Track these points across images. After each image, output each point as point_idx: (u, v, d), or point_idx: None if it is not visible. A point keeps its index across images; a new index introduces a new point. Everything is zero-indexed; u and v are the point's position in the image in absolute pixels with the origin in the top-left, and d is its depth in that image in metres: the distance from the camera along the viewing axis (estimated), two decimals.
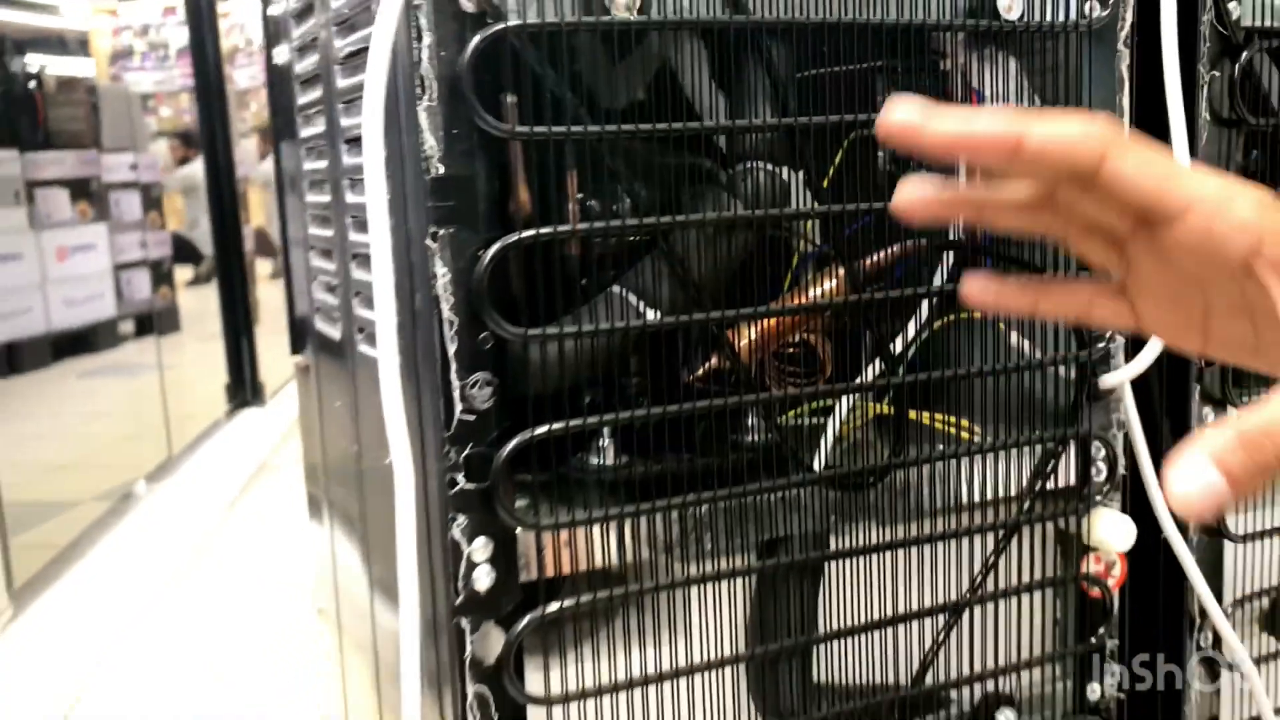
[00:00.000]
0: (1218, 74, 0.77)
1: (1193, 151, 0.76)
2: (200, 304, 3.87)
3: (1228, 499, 0.34)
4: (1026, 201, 0.45)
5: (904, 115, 0.40)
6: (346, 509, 0.85)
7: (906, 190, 0.43)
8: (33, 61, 2.73)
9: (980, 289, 0.48)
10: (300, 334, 0.95)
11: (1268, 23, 0.77)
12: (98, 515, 2.59)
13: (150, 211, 3.45)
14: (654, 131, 0.59)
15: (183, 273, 4.36)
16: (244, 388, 3.58)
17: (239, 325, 3.77)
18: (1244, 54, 0.77)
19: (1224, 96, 0.77)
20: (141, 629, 2.58)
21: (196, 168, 4.23)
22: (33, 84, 2.69)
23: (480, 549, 0.59)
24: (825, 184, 0.66)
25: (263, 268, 4.83)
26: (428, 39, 0.56)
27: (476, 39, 0.55)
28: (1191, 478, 0.35)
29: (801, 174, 0.66)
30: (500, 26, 0.55)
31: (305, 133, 0.86)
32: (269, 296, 4.08)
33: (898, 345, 0.70)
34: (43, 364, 2.67)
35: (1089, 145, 0.39)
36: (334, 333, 0.81)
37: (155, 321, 3.21)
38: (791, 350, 0.69)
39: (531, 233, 0.57)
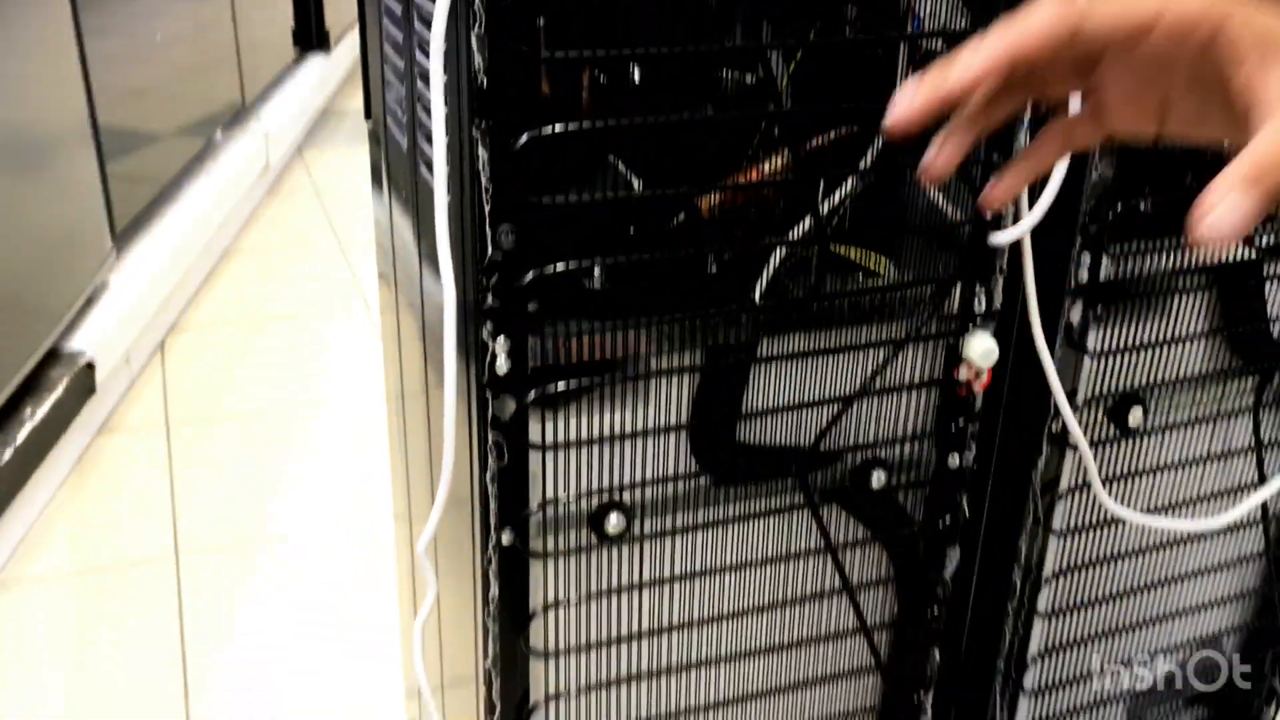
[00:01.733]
0: None
1: None
2: None
3: (1250, 220, 0.41)
4: (1003, 92, 0.53)
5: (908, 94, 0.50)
6: (401, 185, 1.06)
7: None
8: None
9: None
10: (369, 99, 1.15)
11: None
12: (185, 158, 2.80)
13: None
14: (658, 55, 0.78)
15: None
16: (309, 34, 3.71)
17: None
18: None
19: None
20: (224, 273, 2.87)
21: None
22: None
23: (501, 345, 0.84)
24: (783, 85, 0.85)
25: None
26: None
27: None
28: (1220, 207, 0.41)
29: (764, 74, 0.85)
30: None
31: None
32: None
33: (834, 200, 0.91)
34: None
35: (1064, 22, 0.47)
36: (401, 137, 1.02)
37: None
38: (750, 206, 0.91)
39: (550, 128, 0.78)
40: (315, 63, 3.75)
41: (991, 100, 0.56)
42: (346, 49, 3.90)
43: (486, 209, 0.80)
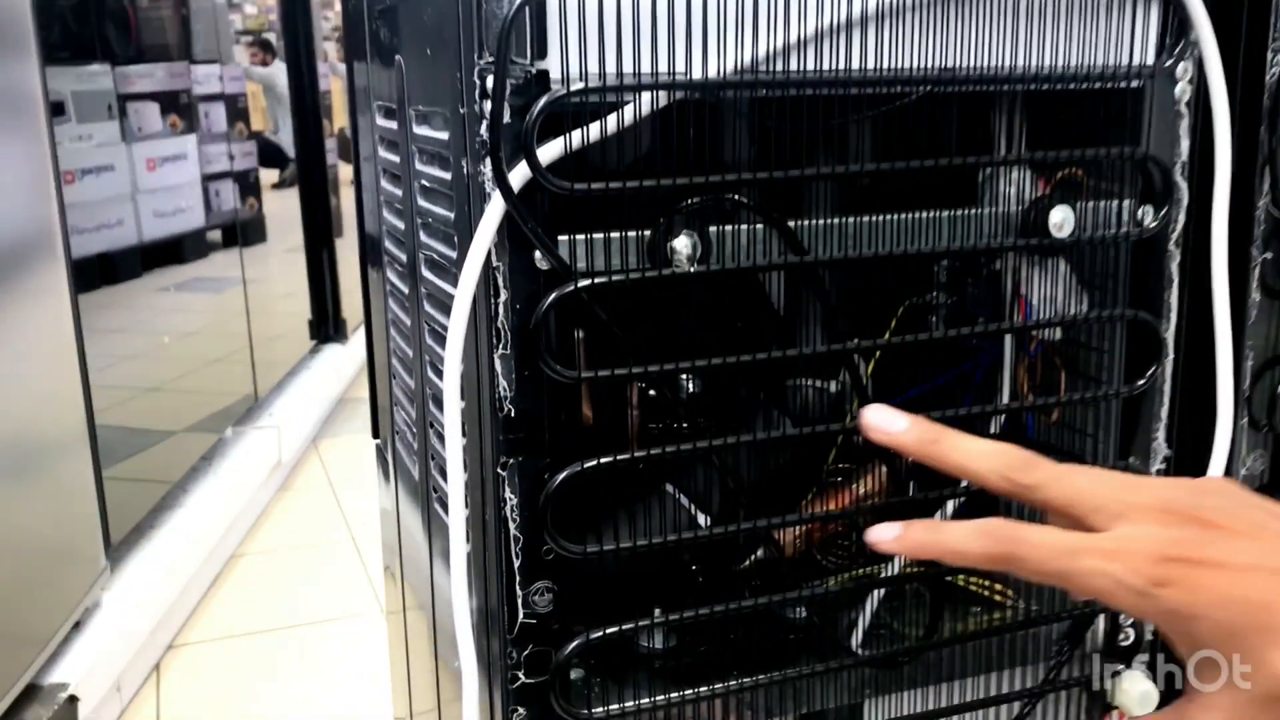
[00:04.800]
0: (1269, 255, 0.78)
1: (1240, 327, 0.78)
2: (285, 208, 3.89)
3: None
4: None
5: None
6: (411, 474, 0.90)
7: (874, 539, 0.56)
8: None
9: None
10: (376, 418, 1.01)
11: None
12: (191, 459, 2.68)
13: (237, 122, 3.51)
14: (709, 368, 0.63)
15: (267, 176, 4.44)
16: (326, 324, 3.68)
17: (320, 245, 3.78)
18: None
19: (1276, 275, 0.79)
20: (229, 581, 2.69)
21: (276, 69, 4.22)
22: None
23: None
24: (868, 386, 0.70)
25: (345, 171, 4.85)
26: (504, 295, 0.60)
27: (552, 297, 0.60)
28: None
29: (848, 380, 0.70)
30: (573, 287, 0.60)
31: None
32: (351, 202, 4.11)
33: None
34: (134, 275, 2.75)
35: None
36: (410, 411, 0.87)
37: (242, 232, 3.23)
38: (838, 534, 0.74)
39: (593, 462, 0.62)
40: (331, 352, 3.69)
41: None
42: (364, 337, 3.85)
43: (516, 564, 0.64)
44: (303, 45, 3.90)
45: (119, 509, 2.21)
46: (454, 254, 0.66)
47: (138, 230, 2.76)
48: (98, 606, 2.08)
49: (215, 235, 3.17)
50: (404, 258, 0.80)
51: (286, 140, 4.10)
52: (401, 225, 0.80)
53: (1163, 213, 0.71)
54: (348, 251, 3.81)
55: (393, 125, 0.79)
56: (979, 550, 0.53)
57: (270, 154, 4.92)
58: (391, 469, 0.99)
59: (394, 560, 1.04)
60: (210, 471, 2.69)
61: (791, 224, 0.63)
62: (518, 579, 0.64)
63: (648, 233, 0.61)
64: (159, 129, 2.85)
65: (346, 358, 3.75)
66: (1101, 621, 0.78)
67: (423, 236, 0.74)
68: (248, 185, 3.51)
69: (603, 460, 0.62)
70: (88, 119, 2.48)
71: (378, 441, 1.02)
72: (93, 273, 2.51)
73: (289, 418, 3.13)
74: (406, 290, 0.81)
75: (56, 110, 2.24)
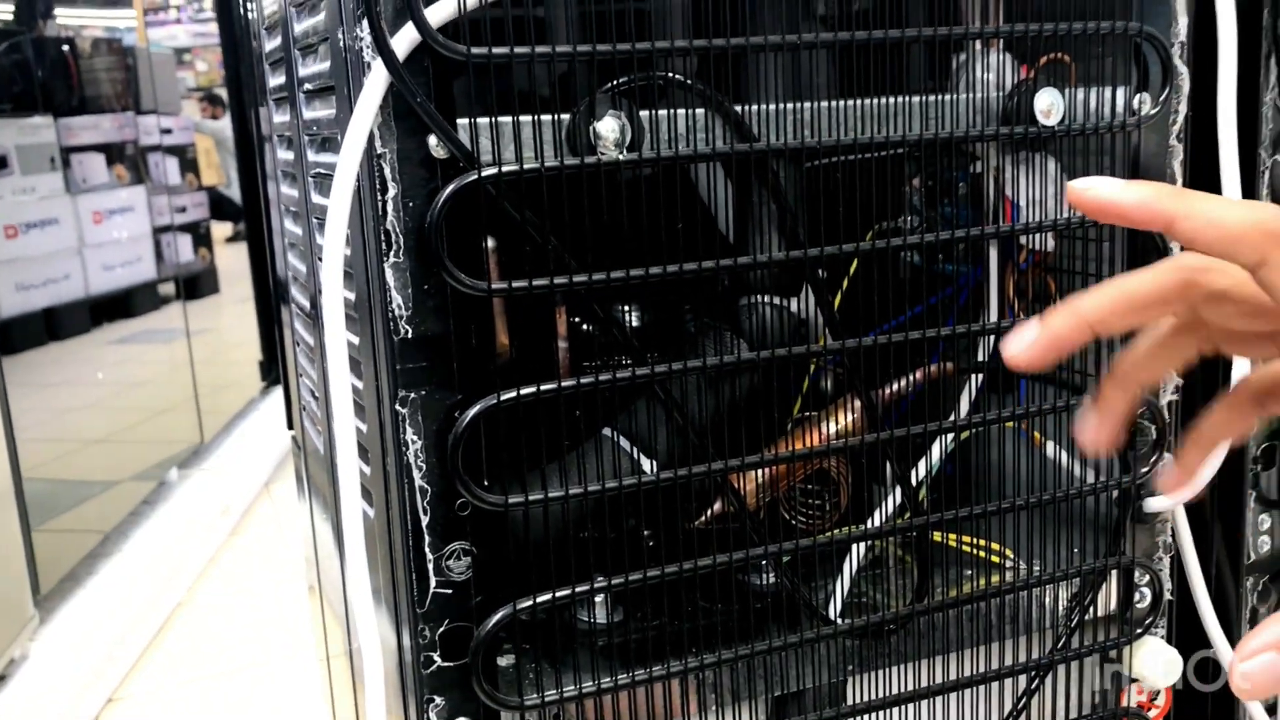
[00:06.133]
0: (1279, 158, 0.69)
1: None
2: (239, 260, 3.86)
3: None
4: (1168, 330, 0.43)
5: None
6: (321, 488, 0.80)
7: (1016, 342, 0.42)
8: (68, 19, 2.71)
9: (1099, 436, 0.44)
10: (290, 408, 0.90)
11: None
12: (131, 505, 2.58)
13: (187, 173, 3.44)
14: (647, 277, 0.53)
15: (220, 229, 4.35)
16: (277, 364, 3.56)
17: (270, 296, 3.71)
18: None
19: None
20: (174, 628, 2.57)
21: (227, 123, 4.21)
22: (66, 47, 2.66)
23: None
24: (836, 306, 0.60)
25: None
26: (393, 190, 0.50)
27: (449, 189, 0.49)
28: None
29: (812, 300, 0.59)
30: (475, 176, 0.49)
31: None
32: None
33: (924, 466, 0.64)
34: (82, 330, 2.66)
35: (1250, 244, 0.37)
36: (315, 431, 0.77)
37: (183, 287, 3.18)
38: (808, 483, 0.64)
39: (513, 394, 0.52)
40: (282, 393, 3.57)
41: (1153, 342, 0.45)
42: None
43: (424, 522, 0.53)
44: (249, 98, 3.85)
45: (53, 559, 2.11)
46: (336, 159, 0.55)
47: (85, 284, 2.69)
48: (25, 658, 1.95)
49: (167, 288, 3.10)
50: (295, 194, 0.70)
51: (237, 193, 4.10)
52: (293, 163, 0.70)
53: (1162, 98, 0.62)
54: None
55: (285, 117, 0.69)
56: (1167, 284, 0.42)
57: (224, 207, 4.84)
58: (304, 466, 0.89)
59: (314, 575, 0.93)
60: (151, 516, 2.56)
61: (738, 109, 0.54)
62: (427, 540, 0.53)
63: (566, 116, 0.51)
64: (105, 180, 2.78)
65: None
66: (1114, 581, 0.68)
67: (311, 156, 0.63)
68: (199, 237, 3.43)
69: (524, 391, 0.52)
70: (31, 171, 2.41)
71: (293, 433, 0.91)
72: (39, 328, 2.42)
73: (236, 460, 3.00)
74: (301, 233, 0.70)
75: None
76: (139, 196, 2.93)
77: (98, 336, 2.70)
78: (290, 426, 0.91)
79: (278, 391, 3.57)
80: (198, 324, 3.17)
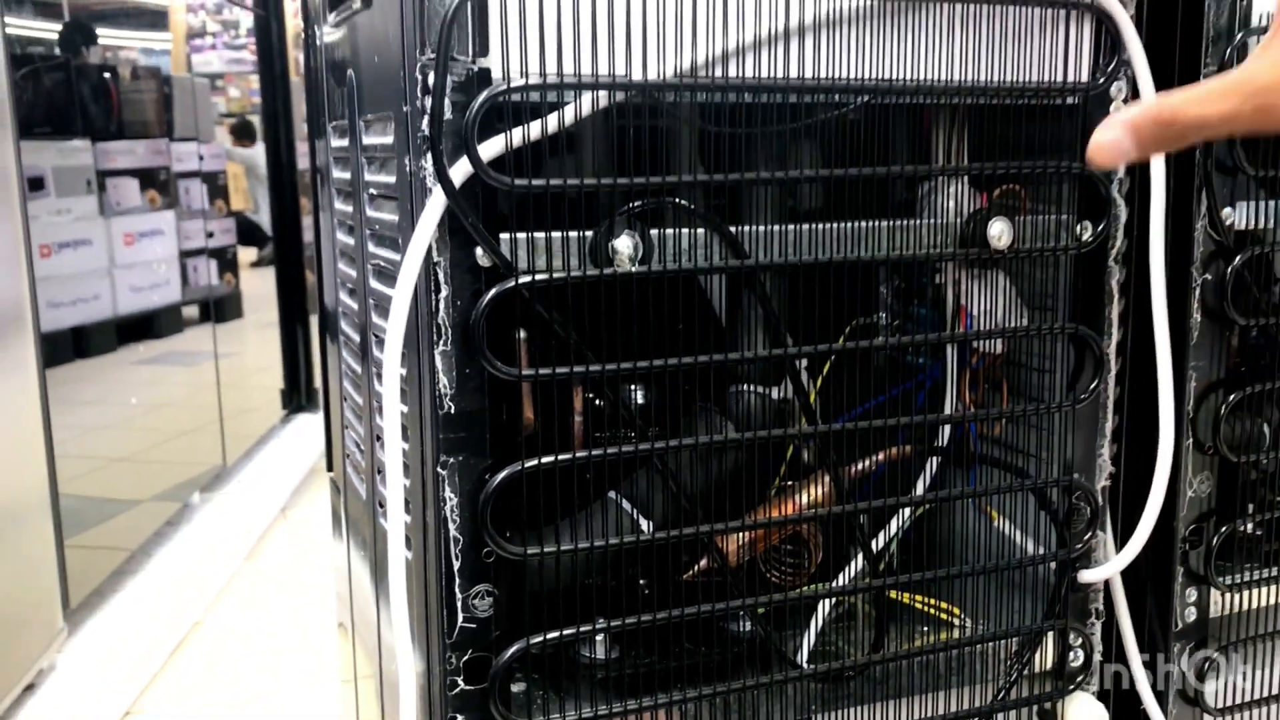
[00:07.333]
0: (1209, 277, 0.79)
1: (1182, 350, 0.79)
2: (263, 285, 3.91)
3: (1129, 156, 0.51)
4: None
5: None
6: (361, 529, 0.89)
7: (1100, 139, 0.51)
8: (111, 45, 2.77)
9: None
10: (330, 451, 1.00)
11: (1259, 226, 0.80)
12: (155, 525, 2.66)
13: (216, 199, 3.53)
14: (651, 368, 0.63)
15: (246, 254, 4.45)
16: (299, 393, 3.67)
17: (294, 320, 3.80)
18: (1237, 258, 0.79)
19: (1216, 297, 0.80)
20: (192, 646, 2.65)
21: (258, 151, 4.26)
22: (107, 74, 2.76)
23: None
24: (813, 399, 0.70)
25: None
26: (445, 291, 0.61)
27: (492, 293, 0.60)
28: (1109, 137, 0.50)
29: (791, 388, 0.70)
30: (513, 283, 0.60)
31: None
32: None
33: (887, 532, 0.74)
34: (109, 348, 2.73)
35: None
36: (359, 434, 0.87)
37: (214, 309, 3.24)
38: (784, 544, 0.74)
39: (534, 462, 0.62)
40: (303, 421, 3.67)
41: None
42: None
43: (456, 566, 0.63)
44: (282, 127, 3.95)
45: (80, 574, 2.19)
46: (398, 257, 0.66)
47: (113, 304, 2.76)
48: (53, 669, 2.04)
49: (192, 310, 3.17)
50: (354, 274, 0.81)
51: (266, 220, 4.13)
52: (352, 242, 0.81)
53: (1100, 227, 0.72)
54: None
55: (344, 143, 0.80)
56: (1222, 111, 0.51)
57: (250, 232, 4.94)
58: (343, 511, 0.99)
59: (346, 614, 1.03)
60: (174, 537, 2.66)
61: (733, 229, 0.64)
62: (457, 581, 0.63)
63: (590, 233, 0.62)
64: (138, 204, 2.86)
65: (318, 426, 3.72)
66: (1051, 641, 0.77)
67: (371, 248, 0.74)
68: (225, 262, 3.51)
69: (544, 460, 0.62)
70: (67, 193, 2.49)
71: (332, 475, 1.01)
72: (67, 346, 2.50)
73: (257, 484, 3.10)
74: (356, 306, 0.81)
75: (36, 185, 2.26)
76: (169, 220, 3.00)
77: (124, 355, 2.77)
78: (330, 469, 1.01)
79: (297, 420, 3.68)
80: (221, 348, 3.24)
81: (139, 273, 2.86)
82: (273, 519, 3.27)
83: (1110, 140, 0.52)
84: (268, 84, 3.95)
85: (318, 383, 3.87)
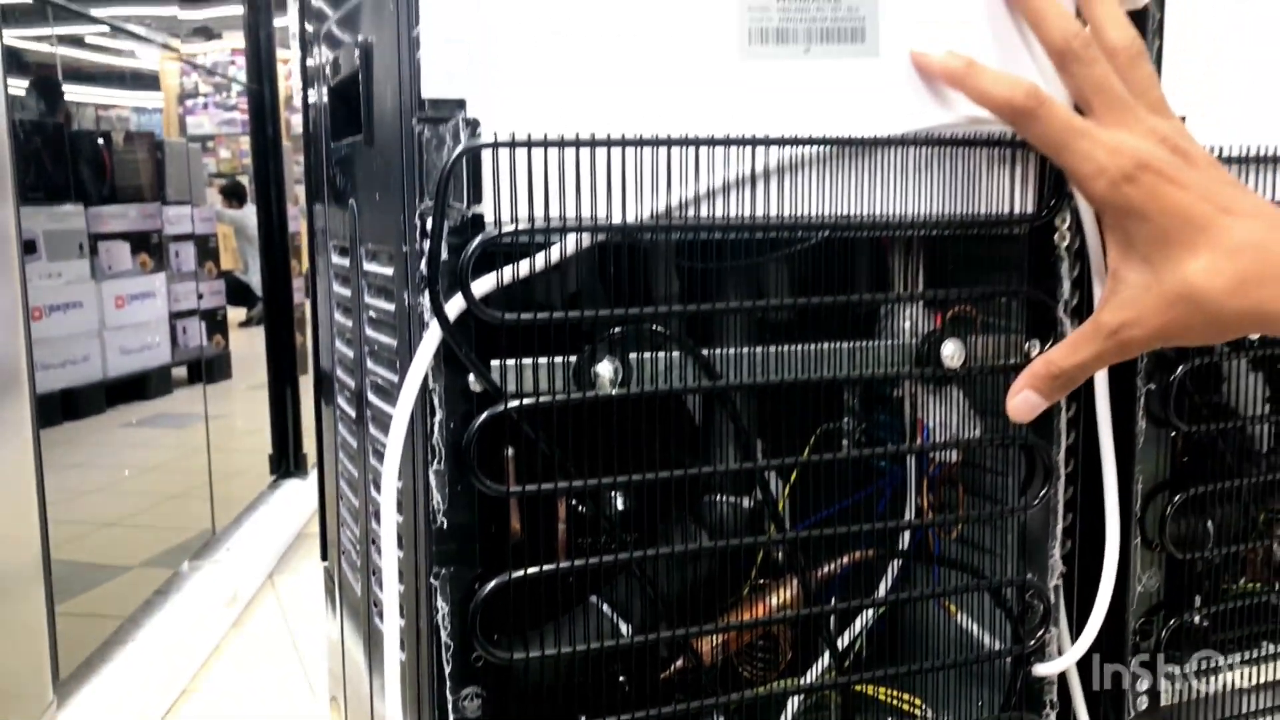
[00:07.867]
0: (1153, 386, 0.85)
1: (1129, 453, 0.84)
2: (251, 346, 3.93)
3: (1042, 407, 0.67)
4: None
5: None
6: (354, 616, 0.92)
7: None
8: (104, 110, 2.80)
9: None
10: (325, 542, 1.05)
11: None
12: (145, 593, 2.68)
13: (206, 261, 3.56)
14: (629, 482, 0.68)
15: (235, 313, 4.49)
16: (287, 459, 3.70)
17: (284, 383, 3.82)
18: (1179, 368, 0.85)
19: (1160, 405, 0.86)
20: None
21: (247, 211, 4.29)
22: (101, 140, 2.81)
23: None
24: (782, 506, 0.75)
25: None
26: (439, 415, 0.66)
27: (482, 417, 0.65)
28: (1019, 399, 0.66)
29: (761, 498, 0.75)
30: (503, 407, 0.65)
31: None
32: None
33: (855, 628, 0.79)
34: (98, 410, 2.75)
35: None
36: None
37: (207, 369, 3.26)
38: (757, 640, 0.79)
39: (521, 572, 0.67)
40: (291, 487, 3.70)
41: None
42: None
43: (447, 670, 0.68)
44: (274, 188, 4.01)
45: (70, 643, 2.20)
46: (396, 378, 0.71)
47: (103, 366, 2.79)
48: None
49: (181, 372, 3.19)
50: (353, 384, 0.86)
51: (255, 279, 4.16)
52: (351, 354, 0.86)
53: (1048, 345, 0.78)
54: (310, 388, 3.86)
55: (345, 262, 0.86)
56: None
57: (238, 292, 4.98)
58: (337, 594, 1.03)
59: (339, 689, 1.07)
60: (164, 606, 2.68)
61: (706, 352, 0.70)
62: (448, 685, 0.68)
63: (574, 359, 0.67)
64: (129, 267, 2.89)
65: (306, 492, 3.76)
66: None
67: (370, 364, 0.79)
68: (214, 323, 3.54)
69: (529, 571, 0.67)
70: (58, 257, 2.52)
71: (326, 565, 1.06)
72: (56, 408, 2.53)
73: (245, 552, 3.13)
74: (354, 414, 0.86)
75: (29, 248, 2.29)
76: (159, 283, 3.03)
77: (113, 417, 2.78)
78: (324, 559, 1.05)
79: (285, 486, 3.71)
80: (210, 409, 3.25)
81: (129, 335, 2.89)
82: (259, 584, 3.30)
83: (1021, 400, 0.65)
84: (260, 148, 4.00)
85: (306, 448, 3.90)
